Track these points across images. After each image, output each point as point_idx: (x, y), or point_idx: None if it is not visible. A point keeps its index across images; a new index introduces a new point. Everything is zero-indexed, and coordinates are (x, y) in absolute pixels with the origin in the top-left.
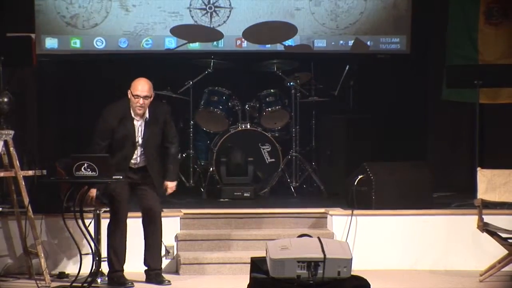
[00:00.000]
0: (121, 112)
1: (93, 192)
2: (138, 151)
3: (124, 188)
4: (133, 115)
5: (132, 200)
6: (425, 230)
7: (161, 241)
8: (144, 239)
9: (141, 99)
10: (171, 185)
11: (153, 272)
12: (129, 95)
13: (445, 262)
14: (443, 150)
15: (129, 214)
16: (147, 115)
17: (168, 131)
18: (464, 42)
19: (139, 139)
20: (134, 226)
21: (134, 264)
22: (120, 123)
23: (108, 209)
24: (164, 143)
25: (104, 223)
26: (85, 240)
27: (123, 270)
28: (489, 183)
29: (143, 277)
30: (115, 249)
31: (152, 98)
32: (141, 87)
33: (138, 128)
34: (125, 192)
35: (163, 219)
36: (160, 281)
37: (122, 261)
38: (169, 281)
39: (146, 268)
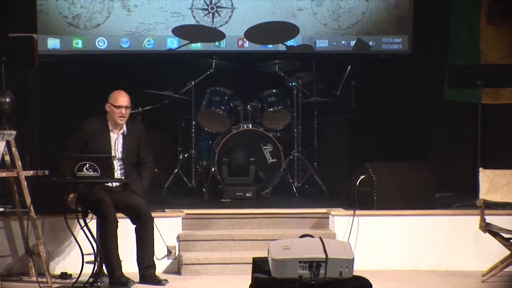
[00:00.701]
0: (99, 124)
1: (72, 197)
2: (117, 165)
3: (105, 192)
4: (110, 127)
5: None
6: (427, 231)
7: (153, 239)
8: (136, 239)
9: (123, 109)
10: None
11: (147, 272)
12: (109, 108)
13: (447, 262)
14: (445, 150)
15: (123, 215)
16: (124, 128)
17: (143, 147)
18: (466, 42)
19: (117, 153)
20: (130, 227)
21: (131, 266)
22: (96, 134)
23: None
24: (139, 160)
25: None
26: (87, 241)
27: (121, 268)
28: (491, 183)
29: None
30: (111, 250)
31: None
32: (122, 98)
33: (115, 141)
34: (107, 195)
35: (164, 220)
36: (158, 281)
37: (119, 259)
38: (166, 280)
39: (139, 268)
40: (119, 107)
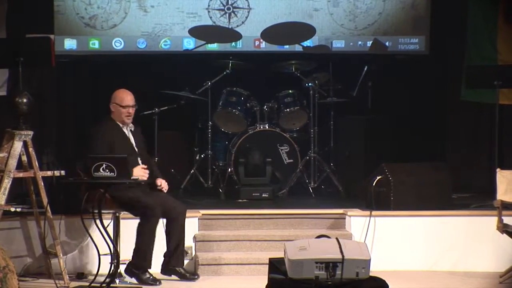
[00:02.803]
0: (112, 124)
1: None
2: (140, 162)
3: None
4: (120, 125)
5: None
6: (444, 231)
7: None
8: (166, 234)
9: (130, 108)
10: (164, 182)
11: (177, 263)
12: (114, 108)
13: (465, 263)
14: (462, 151)
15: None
16: (131, 124)
17: (144, 144)
18: (483, 42)
19: (135, 147)
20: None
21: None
22: (115, 135)
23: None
24: None
25: (123, 224)
26: (103, 241)
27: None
28: (509, 184)
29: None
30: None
31: None
32: (129, 97)
33: (129, 135)
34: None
35: None
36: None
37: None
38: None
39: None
40: (126, 106)
